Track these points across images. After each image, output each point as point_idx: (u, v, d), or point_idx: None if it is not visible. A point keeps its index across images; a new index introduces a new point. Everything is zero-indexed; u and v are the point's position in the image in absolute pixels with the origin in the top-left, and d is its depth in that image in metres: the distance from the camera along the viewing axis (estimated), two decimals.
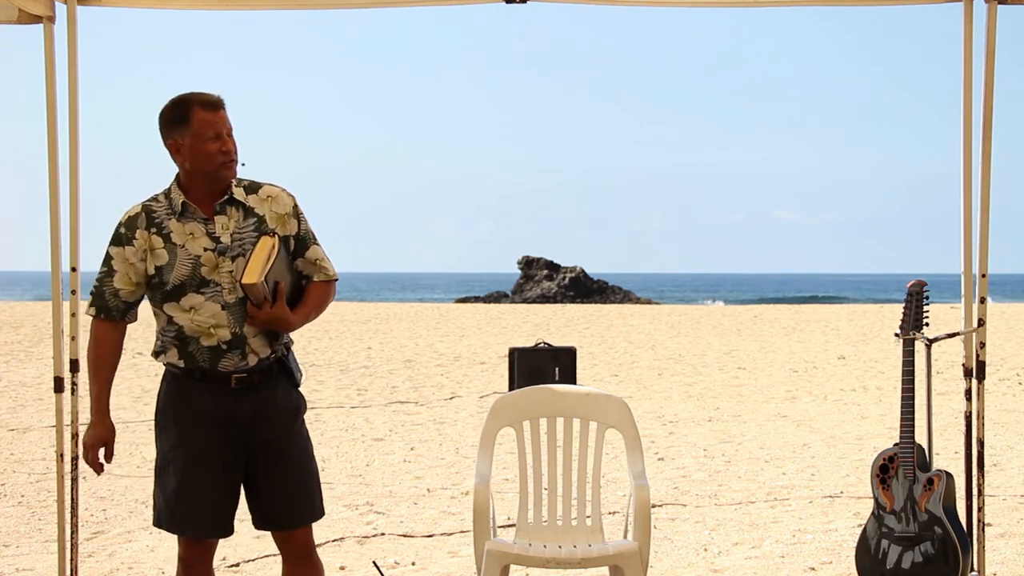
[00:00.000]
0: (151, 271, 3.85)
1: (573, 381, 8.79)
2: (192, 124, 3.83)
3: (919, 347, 4.97)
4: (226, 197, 3.90)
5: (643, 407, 12.58)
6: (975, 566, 4.93)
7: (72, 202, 4.89)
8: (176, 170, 3.94)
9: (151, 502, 4.08)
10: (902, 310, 5.04)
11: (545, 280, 50.70)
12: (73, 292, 4.90)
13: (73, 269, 4.91)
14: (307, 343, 21.22)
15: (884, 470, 4.96)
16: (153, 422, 4.02)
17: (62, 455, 4.95)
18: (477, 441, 5.19)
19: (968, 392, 4.93)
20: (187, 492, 3.87)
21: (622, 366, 17.45)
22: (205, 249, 3.84)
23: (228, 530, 3.95)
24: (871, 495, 5.05)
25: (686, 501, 7.64)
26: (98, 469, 3.95)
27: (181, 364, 3.88)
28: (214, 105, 3.86)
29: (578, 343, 20.39)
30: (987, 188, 4.87)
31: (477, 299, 51.12)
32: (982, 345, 4.91)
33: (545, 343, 6.35)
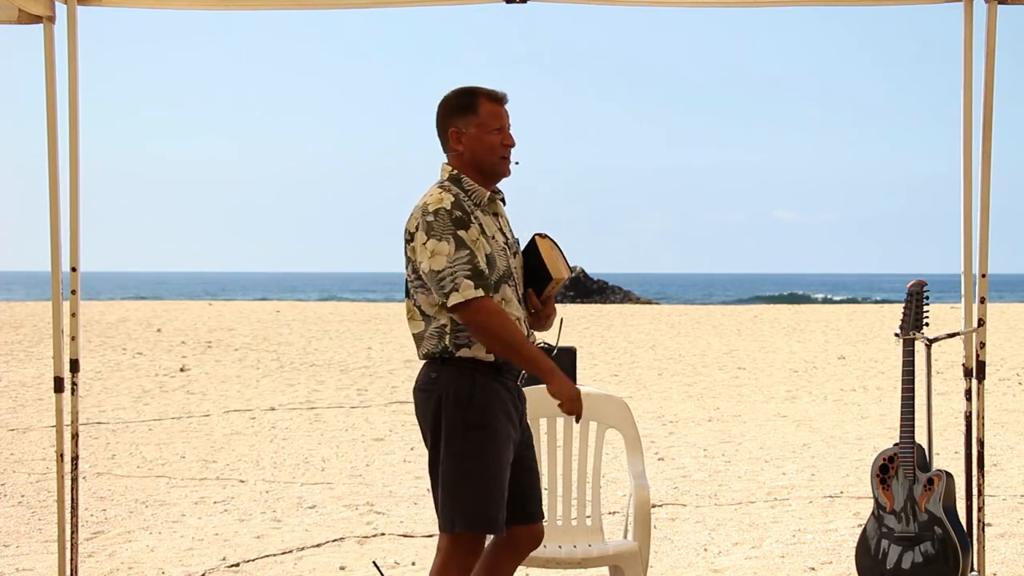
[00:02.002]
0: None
1: (573, 381, 8.73)
2: (479, 113, 3.85)
3: (919, 347, 4.97)
4: (500, 196, 3.95)
5: (643, 407, 12.58)
6: (975, 566, 4.93)
7: (72, 202, 4.88)
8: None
9: (454, 502, 3.78)
10: (902, 310, 5.04)
11: None
12: (73, 292, 4.90)
13: (73, 269, 4.91)
14: (307, 343, 21.22)
15: (884, 470, 4.96)
16: (447, 419, 3.78)
17: (62, 455, 4.94)
18: None
19: (968, 392, 4.93)
20: (501, 490, 3.79)
21: (622, 366, 17.45)
22: (504, 243, 3.87)
23: None
24: (871, 495, 5.05)
25: (686, 501, 7.64)
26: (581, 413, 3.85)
27: (490, 358, 3.79)
28: (500, 99, 3.89)
29: (578, 343, 20.38)
30: (987, 188, 4.87)
31: None
32: (982, 345, 4.91)
33: (545, 343, 6.33)
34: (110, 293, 68.13)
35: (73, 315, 4.90)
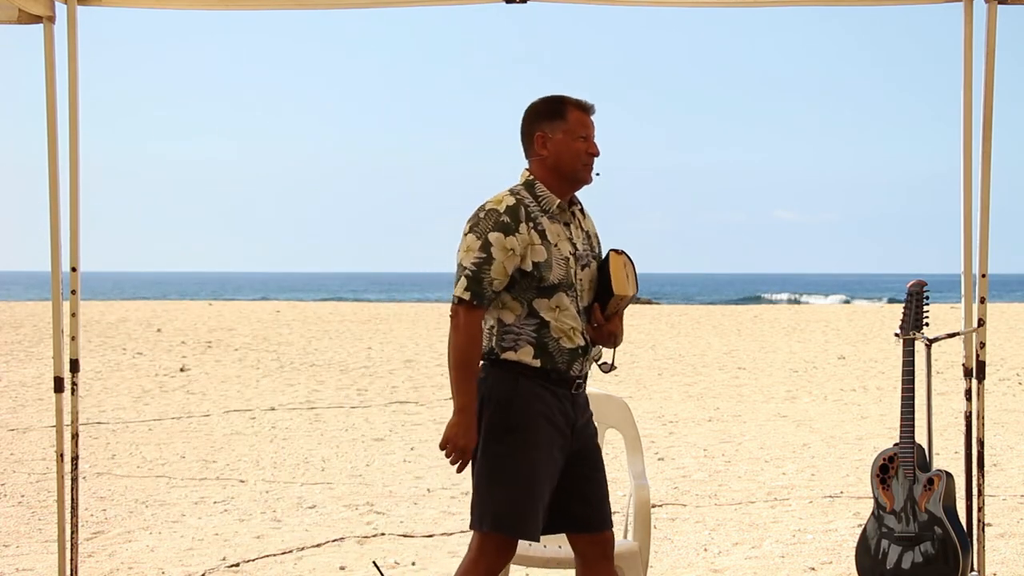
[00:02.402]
0: (528, 267, 3.79)
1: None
2: (568, 120, 3.88)
3: (919, 347, 4.97)
4: (579, 206, 3.98)
5: (643, 407, 12.58)
6: (975, 566, 4.93)
7: (72, 202, 4.88)
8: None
9: (484, 502, 3.80)
10: (902, 310, 5.04)
11: None
12: (73, 292, 4.90)
13: (73, 269, 4.91)
14: (307, 343, 21.23)
15: (884, 470, 4.95)
16: (486, 421, 3.82)
17: (62, 455, 4.94)
18: None
19: (968, 392, 4.93)
20: (534, 495, 3.79)
21: (622, 366, 17.46)
22: (569, 253, 3.87)
23: None
24: (871, 495, 5.05)
25: (686, 501, 7.64)
26: (463, 467, 3.81)
27: (537, 364, 3.81)
28: (588, 109, 3.93)
29: None
30: (987, 188, 4.87)
31: None
32: (982, 345, 4.91)
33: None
34: (110, 293, 68.14)
35: (73, 315, 4.90)
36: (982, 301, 4.90)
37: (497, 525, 3.79)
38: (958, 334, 5.01)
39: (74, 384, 4.91)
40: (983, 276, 4.90)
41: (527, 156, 3.96)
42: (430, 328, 26.04)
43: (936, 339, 5.02)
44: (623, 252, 3.95)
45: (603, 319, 3.90)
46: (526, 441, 3.79)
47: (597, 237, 4.07)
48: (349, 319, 28.68)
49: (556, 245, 3.84)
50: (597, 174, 3.94)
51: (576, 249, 3.90)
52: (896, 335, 5.03)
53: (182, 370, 16.48)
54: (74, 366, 4.90)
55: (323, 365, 17.40)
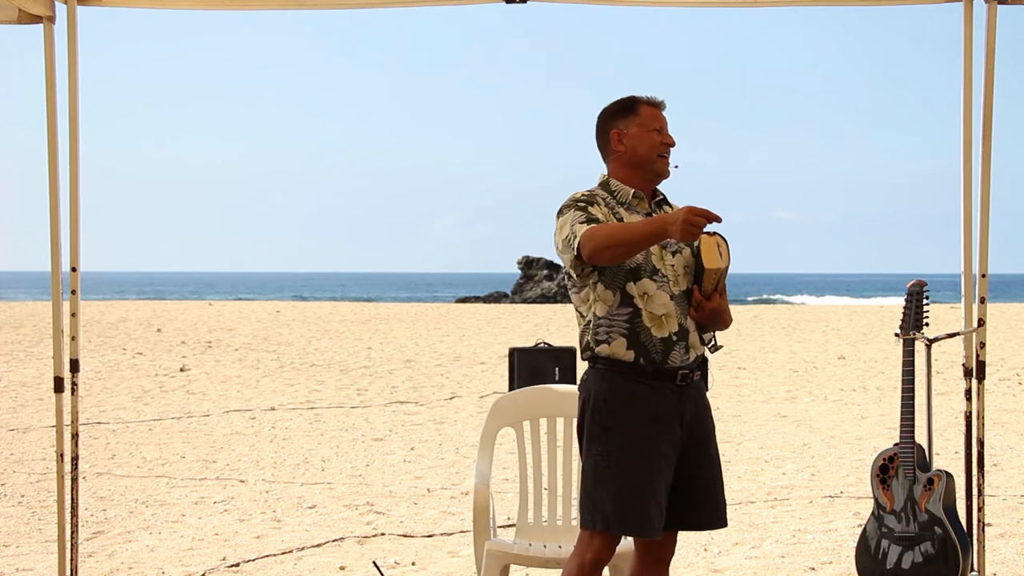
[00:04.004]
0: None
1: (573, 381, 8.74)
2: (640, 114, 3.96)
3: (919, 347, 4.97)
4: (661, 198, 4.01)
5: None
6: (975, 566, 4.93)
7: (72, 202, 4.88)
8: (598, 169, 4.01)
9: (592, 501, 3.81)
10: (902, 310, 5.04)
11: (545, 280, 50.67)
12: (73, 292, 4.89)
13: (73, 269, 4.90)
14: (307, 343, 21.23)
15: (884, 470, 4.95)
16: (587, 421, 3.87)
17: (62, 455, 4.94)
18: (477, 441, 5.19)
19: (968, 392, 4.93)
20: (645, 492, 3.80)
21: None
22: None
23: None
24: (871, 495, 5.05)
25: None
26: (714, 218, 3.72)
27: (630, 357, 3.82)
28: (658, 105, 4.01)
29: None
30: (987, 188, 4.87)
31: (477, 299, 51.13)
32: (982, 345, 4.91)
33: (545, 343, 6.34)
34: (110, 293, 68.13)
35: (73, 315, 4.90)
36: (982, 301, 4.90)
37: (607, 524, 3.81)
38: (958, 334, 5.01)
39: (74, 384, 4.91)
40: (983, 276, 4.90)
41: (605, 158, 4.03)
42: (430, 328, 26.05)
43: (936, 339, 5.02)
44: (716, 233, 3.91)
45: (701, 297, 3.89)
46: (625, 440, 3.82)
47: None
48: (349, 319, 28.69)
49: None
50: (675, 166, 4.00)
51: None
52: (896, 335, 5.03)
53: (182, 370, 16.48)
54: (74, 366, 4.90)
55: (323, 365, 17.40)
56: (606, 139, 4.00)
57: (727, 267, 3.91)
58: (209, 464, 9.20)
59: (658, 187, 4.02)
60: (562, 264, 3.93)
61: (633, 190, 3.93)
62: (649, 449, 3.82)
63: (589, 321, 3.89)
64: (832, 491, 7.99)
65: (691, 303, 3.90)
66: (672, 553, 4.04)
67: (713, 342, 4.03)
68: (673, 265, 3.90)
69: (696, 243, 3.91)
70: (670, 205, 4.03)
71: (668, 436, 3.85)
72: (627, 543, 4.18)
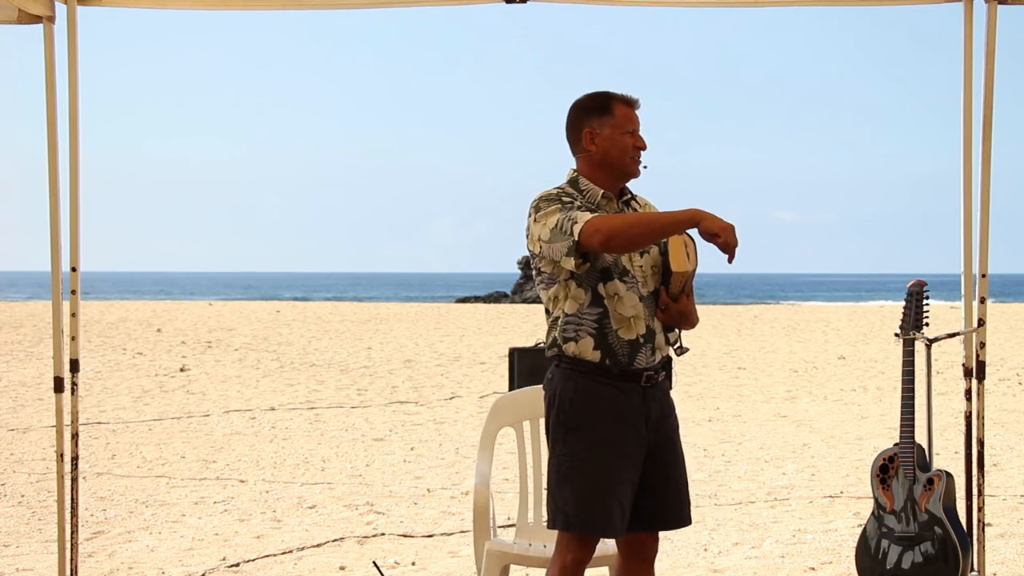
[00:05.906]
0: None
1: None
2: (615, 115, 3.90)
3: (919, 347, 4.97)
4: (629, 196, 3.97)
5: None
6: (975, 566, 4.93)
7: (72, 202, 4.88)
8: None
9: (555, 502, 3.81)
10: (902, 310, 5.04)
11: None
12: (73, 292, 4.89)
13: (73, 269, 4.90)
14: (307, 343, 21.23)
15: (884, 470, 4.95)
16: (551, 421, 3.86)
17: (62, 455, 4.94)
18: (477, 441, 5.19)
19: (968, 392, 4.93)
20: (607, 492, 3.78)
21: None
22: None
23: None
24: (871, 495, 5.04)
25: None
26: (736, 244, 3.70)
27: (596, 358, 3.79)
28: (633, 104, 3.95)
29: None
30: (987, 188, 4.87)
31: (477, 299, 51.14)
32: (982, 345, 4.91)
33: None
34: (110, 293, 68.12)
35: (73, 315, 4.89)
36: (982, 301, 4.90)
37: (566, 524, 3.80)
38: (958, 334, 5.01)
39: (74, 384, 4.91)
40: (983, 276, 4.90)
41: (574, 153, 3.97)
42: (430, 328, 26.05)
43: (936, 339, 5.02)
44: (684, 232, 3.88)
45: (669, 300, 3.87)
46: (589, 440, 3.79)
47: None
48: (349, 319, 28.69)
49: None
50: (645, 167, 3.95)
51: None
52: (896, 335, 5.03)
53: (182, 370, 16.48)
54: (74, 366, 4.90)
55: (323, 365, 17.40)
56: (578, 136, 3.93)
57: (695, 269, 3.88)
58: (209, 464, 9.20)
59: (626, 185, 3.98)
60: (543, 256, 3.83)
61: (602, 191, 3.89)
62: (614, 449, 3.80)
63: (557, 318, 3.85)
64: (832, 491, 7.99)
65: (658, 305, 3.88)
66: (655, 552, 4.02)
67: (679, 344, 4.01)
68: (641, 266, 3.87)
69: (663, 241, 3.88)
70: (638, 202, 3.99)
71: (634, 436, 3.83)
72: (611, 543, 4.18)
